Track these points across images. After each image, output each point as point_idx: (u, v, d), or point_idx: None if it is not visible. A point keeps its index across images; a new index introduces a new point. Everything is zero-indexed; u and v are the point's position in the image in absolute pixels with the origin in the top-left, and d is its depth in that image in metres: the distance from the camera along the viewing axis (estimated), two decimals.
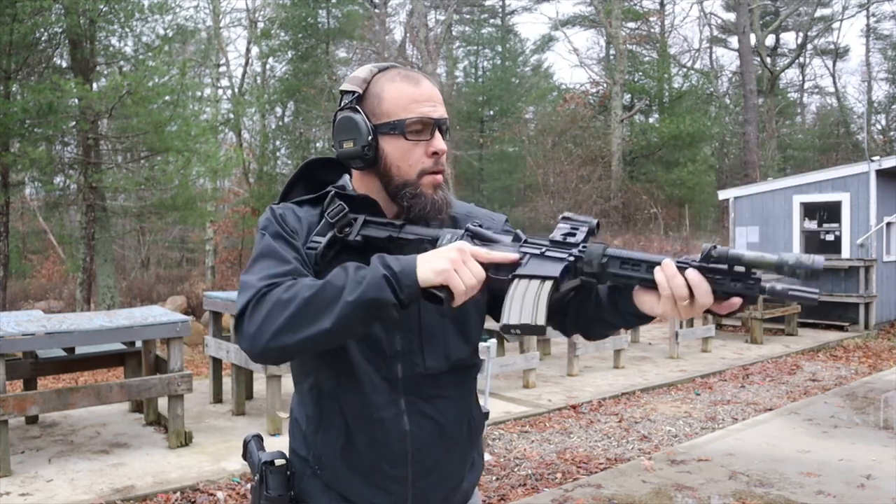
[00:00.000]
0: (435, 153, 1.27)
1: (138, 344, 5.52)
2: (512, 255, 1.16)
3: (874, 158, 10.55)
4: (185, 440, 4.79)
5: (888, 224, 10.61)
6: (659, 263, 1.08)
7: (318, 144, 19.96)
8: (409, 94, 1.27)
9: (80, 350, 5.54)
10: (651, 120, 23.97)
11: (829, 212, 10.93)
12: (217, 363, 6.16)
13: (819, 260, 0.98)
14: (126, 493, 3.92)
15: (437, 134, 1.28)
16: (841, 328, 10.30)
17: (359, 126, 1.26)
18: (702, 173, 20.39)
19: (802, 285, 1.01)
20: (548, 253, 1.16)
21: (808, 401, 6.18)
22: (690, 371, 7.41)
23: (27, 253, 18.94)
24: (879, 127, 28.05)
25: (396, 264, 1.10)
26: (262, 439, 1.40)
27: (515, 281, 1.14)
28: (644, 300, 1.14)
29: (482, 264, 1.13)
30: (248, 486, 4.06)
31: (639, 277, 1.11)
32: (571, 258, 1.14)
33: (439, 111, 1.28)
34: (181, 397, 4.76)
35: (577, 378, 7.03)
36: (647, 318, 1.19)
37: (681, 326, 8.58)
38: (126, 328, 4.66)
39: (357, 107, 1.28)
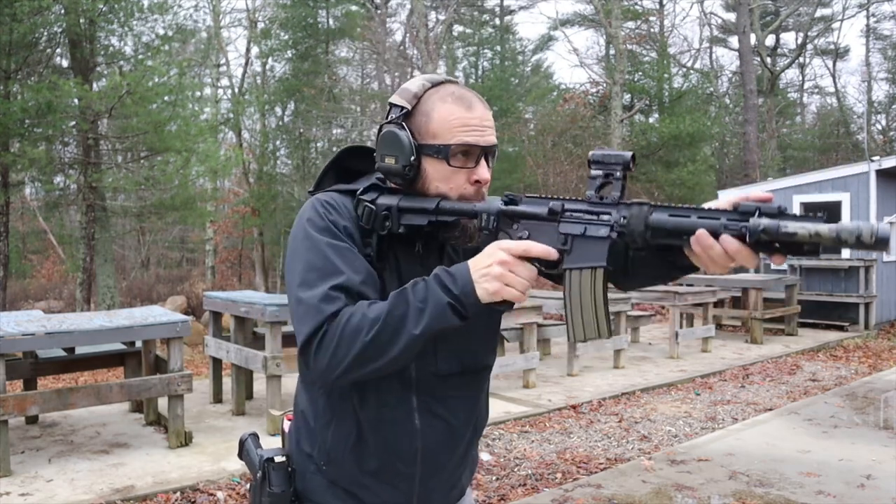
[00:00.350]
0: (477, 181, 1.24)
1: (138, 344, 5.52)
2: (552, 251, 1.13)
3: (874, 158, 10.56)
4: (185, 440, 4.79)
5: (888, 224, 10.60)
6: (710, 230, 1.04)
7: (318, 144, 19.96)
8: (459, 117, 1.22)
9: (80, 350, 5.54)
10: (651, 120, 23.95)
11: (829, 212, 10.74)
12: (217, 363, 6.16)
13: (884, 229, 0.92)
14: (126, 493, 3.91)
15: (483, 162, 1.24)
16: (841, 328, 10.29)
17: (402, 144, 1.22)
18: (702, 173, 20.37)
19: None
20: (589, 231, 1.13)
21: (808, 401, 6.17)
22: (690, 371, 7.41)
23: (27, 253, 18.94)
24: (879, 127, 28.05)
25: (454, 285, 1.10)
26: (258, 438, 1.40)
27: (567, 274, 1.14)
28: (692, 257, 1.12)
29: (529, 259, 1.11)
30: (248, 486, 4.05)
31: (683, 244, 1.08)
32: (614, 234, 1.11)
33: (488, 137, 1.24)
34: (181, 397, 4.76)
35: (577, 378, 7.03)
36: (695, 269, 1.17)
37: (681, 326, 8.57)
38: (126, 328, 4.65)
39: (403, 123, 1.24)
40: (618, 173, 1.13)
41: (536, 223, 1.17)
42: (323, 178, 1.36)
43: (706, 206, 1.08)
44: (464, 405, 1.32)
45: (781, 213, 1.01)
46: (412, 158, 1.22)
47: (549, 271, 1.15)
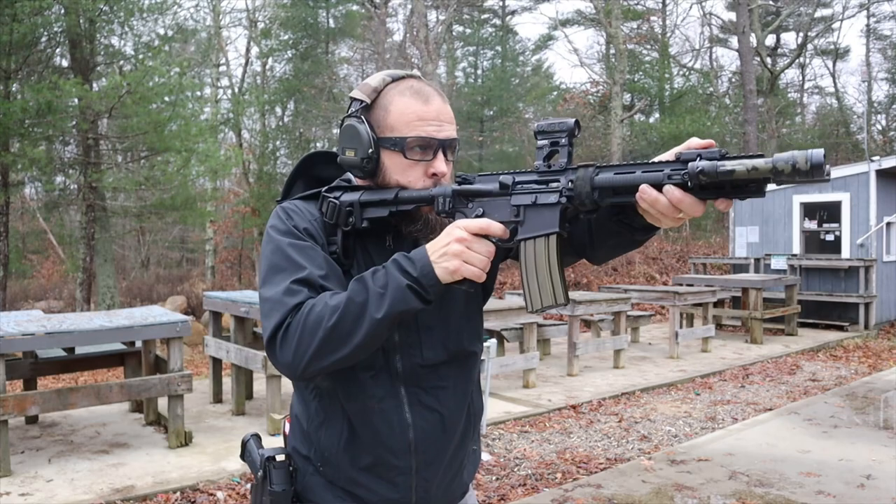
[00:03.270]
0: (434, 174, 1.26)
1: (138, 344, 5.53)
2: (505, 231, 1.14)
3: (874, 158, 10.56)
4: (185, 440, 4.79)
5: (888, 224, 10.61)
6: (653, 183, 1.05)
7: (317, 144, 19.96)
8: (416, 111, 1.25)
9: (80, 350, 5.54)
10: (651, 120, 23.96)
11: (829, 212, 10.93)
12: (217, 363, 6.16)
13: (817, 154, 0.93)
14: (126, 493, 3.91)
15: (440, 155, 1.26)
16: (841, 328, 10.29)
17: (361, 137, 1.26)
18: None
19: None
20: (539, 200, 1.15)
21: (808, 401, 6.17)
22: (690, 371, 7.41)
23: (27, 253, 18.93)
24: (879, 127, 28.05)
25: (413, 268, 1.11)
26: (260, 438, 1.40)
27: (522, 245, 1.16)
28: (644, 214, 1.12)
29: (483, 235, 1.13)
30: (248, 486, 4.06)
31: (634, 201, 1.09)
32: (564, 200, 1.13)
33: (445, 131, 1.26)
34: (181, 397, 4.76)
35: (577, 378, 7.03)
36: (654, 228, 1.18)
37: (681, 326, 8.57)
38: (126, 328, 4.65)
39: (362, 116, 1.27)
40: (563, 140, 1.15)
41: (490, 199, 1.19)
42: (291, 187, 1.39)
43: (654, 159, 1.10)
44: (453, 394, 1.33)
45: (723, 157, 1.01)
46: (370, 151, 1.25)
47: (506, 245, 1.17)
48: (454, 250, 1.10)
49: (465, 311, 1.35)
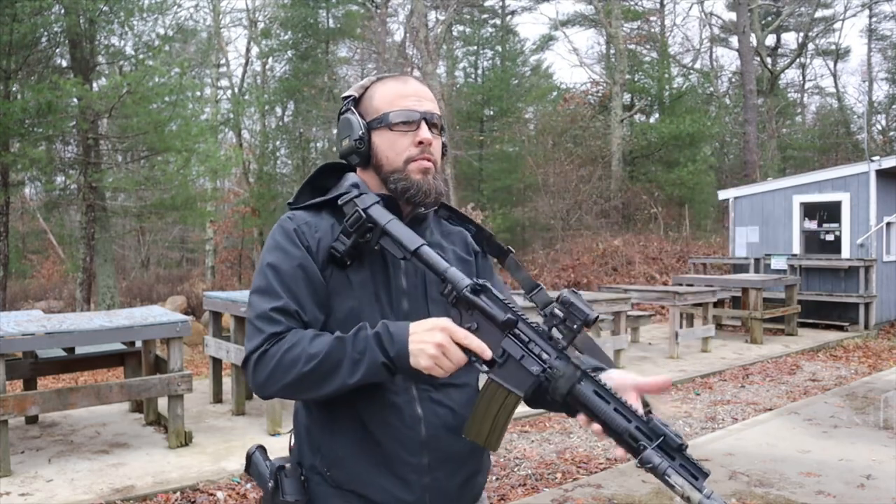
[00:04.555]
0: (420, 142, 1.34)
1: (138, 344, 5.52)
2: (487, 353, 1.19)
3: (874, 158, 10.55)
4: (185, 440, 4.79)
5: (888, 224, 10.61)
6: (616, 430, 1.18)
7: (318, 144, 19.96)
8: (395, 90, 1.37)
9: (80, 350, 5.54)
10: (651, 120, 23.95)
11: (829, 212, 10.93)
12: (217, 363, 6.16)
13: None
14: (126, 493, 3.92)
15: (423, 125, 1.35)
16: (841, 328, 10.29)
17: (352, 124, 1.37)
18: (702, 173, 20.36)
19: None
20: (524, 361, 1.21)
21: (808, 401, 6.17)
22: (690, 371, 7.41)
23: (27, 253, 18.94)
24: (879, 127, 28.05)
25: (392, 347, 1.19)
26: (265, 450, 1.39)
27: (488, 381, 1.22)
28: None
29: (464, 348, 1.18)
30: (248, 486, 4.06)
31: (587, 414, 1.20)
32: (542, 377, 1.20)
33: (425, 105, 1.37)
34: (181, 397, 4.76)
35: None
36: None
37: (681, 326, 8.57)
38: (126, 328, 4.65)
39: (352, 108, 1.40)
40: (576, 326, 1.21)
41: (489, 323, 1.23)
42: (300, 195, 1.45)
43: (627, 396, 1.24)
44: (464, 393, 1.35)
45: (681, 449, 1.13)
46: (361, 133, 1.36)
47: (475, 364, 1.22)
48: (430, 353, 1.16)
49: None
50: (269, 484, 1.31)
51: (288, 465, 1.33)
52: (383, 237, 1.29)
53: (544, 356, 1.21)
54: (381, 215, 1.30)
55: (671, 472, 1.11)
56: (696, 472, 1.12)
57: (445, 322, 1.19)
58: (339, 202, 1.33)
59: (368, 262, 1.33)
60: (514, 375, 1.21)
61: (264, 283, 1.31)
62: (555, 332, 1.22)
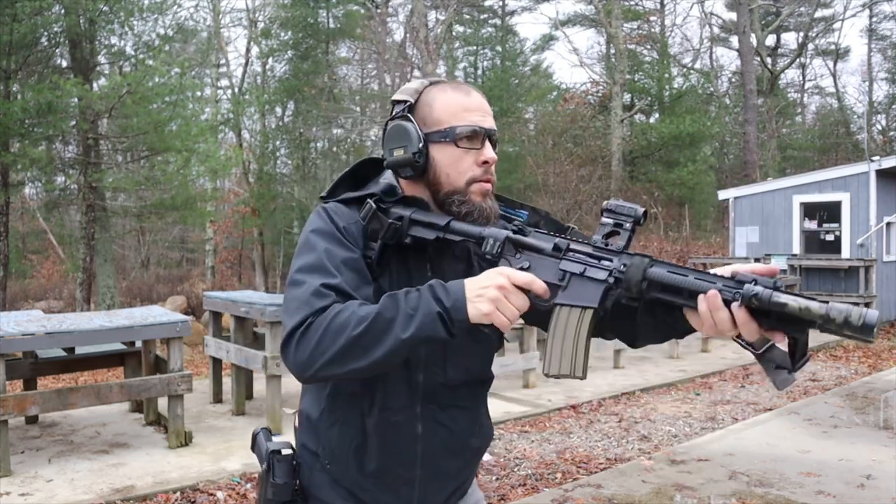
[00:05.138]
0: (485, 162, 1.26)
1: (138, 344, 5.52)
2: (544, 287, 1.14)
3: (874, 158, 10.56)
4: (185, 440, 4.79)
5: (888, 224, 10.61)
6: (704, 292, 1.04)
7: (318, 144, 19.95)
8: (461, 102, 1.27)
9: (80, 350, 5.54)
10: (651, 120, 23.96)
11: (829, 212, 10.93)
12: (217, 363, 6.16)
13: (872, 315, 0.93)
14: (126, 493, 3.91)
15: (488, 143, 1.27)
16: None
17: (410, 134, 1.25)
18: (702, 173, 20.37)
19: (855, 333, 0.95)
20: (588, 272, 1.15)
21: (808, 401, 6.18)
22: (690, 371, 7.41)
23: (27, 253, 18.94)
24: (879, 127, 28.05)
25: (447, 298, 1.10)
26: (269, 432, 1.42)
27: (557, 309, 1.15)
28: (690, 317, 1.12)
29: (524, 289, 1.12)
30: (248, 486, 4.06)
31: (680, 303, 1.09)
32: (611, 280, 1.13)
33: (489, 122, 1.28)
34: (181, 397, 4.76)
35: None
36: (692, 331, 1.17)
37: None
38: (126, 328, 4.65)
39: (409, 115, 1.28)
40: (627, 225, 1.16)
41: (539, 256, 1.19)
42: (336, 188, 1.38)
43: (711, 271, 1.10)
44: (466, 415, 1.35)
45: (776, 287, 1.01)
46: (420, 145, 1.25)
47: (541, 304, 1.16)
48: (491, 295, 1.09)
49: (492, 339, 1.36)
50: (264, 465, 1.34)
51: (284, 451, 1.34)
52: (412, 227, 1.25)
53: (606, 263, 1.14)
54: (405, 209, 1.27)
55: (778, 294, 0.99)
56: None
57: (502, 268, 1.14)
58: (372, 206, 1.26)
59: (395, 271, 1.28)
60: (583, 291, 1.14)
61: (315, 260, 1.21)
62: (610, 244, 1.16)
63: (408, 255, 1.29)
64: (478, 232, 1.23)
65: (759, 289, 1.00)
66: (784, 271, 10.60)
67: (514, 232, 1.22)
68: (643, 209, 1.16)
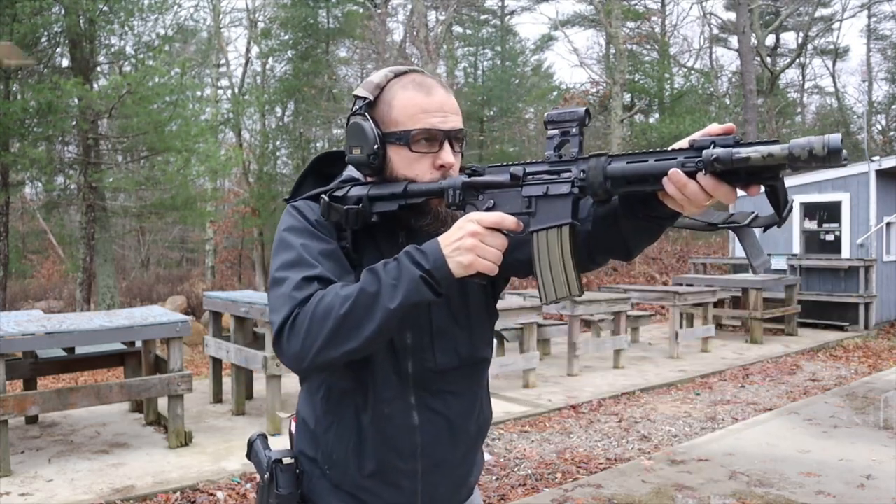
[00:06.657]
0: (442, 165, 1.24)
1: (138, 344, 5.52)
2: (514, 221, 1.12)
3: (874, 158, 10.55)
4: (185, 440, 4.79)
5: (888, 224, 10.61)
6: (665, 173, 1.02)
7: (318, 144, 19.96)
8: (419, 103, 1.24)
9: (80, 350, 5.54)
10: (651, 120, 23.96)
11: (829, 212, 10.92)
12: (217, 363, 6.16)
13: (835, 139, 0.90)
14: (126, 493, 3.92)
15: (446, 146, 1.24)
16: (841, 328, 10.29)
17: (366, 134, 1.24)
18: None
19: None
20: (551, 190, 1.13)
21: (808, 401, 6.17)
22: (690, 371, 7.40)
23: (27, 253, 18.94)
24: (879, 127, 28.05)
25: (426, 260, 1.09)
26: (266, 438, 1.40)
27: (535, 237, 1.14)
28: (666, 200, 1.08)
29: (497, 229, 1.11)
30: (248, 485, 4.06)
31: (651, 189, 1.06)
32: (576, 190, 1.11)
33: (451, 122, 1.24)
34: (181, 397, 4.76)
35: (577, 378, 7.03)
36: (678, 215, 1.14)
37: (681, 326, 8.56)
38: (126, 328, 4.65)
39: (366, 113, 1.26)
40: (574, 130, 1.13)
41: (500, 191, 1.17)
42: (300, 186, 1.37)
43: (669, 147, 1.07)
44: (462, 400, 1.32)
45: (737, 143, 0.99)
46: (376, 147, 1.23)
47: (520, 235, 1.14)
48: (467, 244, 1.08)
49: (477, 317, 1.34)
50: (266, 475, 1.32)
51: (286, 460, 1.33)
52: (374, 203, 1.24)
53: (565, 174, 1.12)
54: (362, 189, 1.27)
55: (738, 150, 0.97)
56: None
57: (469, 214, 1.12)
58: (334, 195, 1.27)
59: (373, 250, 1.28)
60: (552, 210, 1.13)
61: (293, 256, 1.20)
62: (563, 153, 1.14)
63: (378, 237, 1.29)
64: (437, 187, 1.21)
65: (718, 150, 0.99)
66: (784, 271, 10.61)
67: (470, 175, 1.20)
68: (585, 108, 1.13)
